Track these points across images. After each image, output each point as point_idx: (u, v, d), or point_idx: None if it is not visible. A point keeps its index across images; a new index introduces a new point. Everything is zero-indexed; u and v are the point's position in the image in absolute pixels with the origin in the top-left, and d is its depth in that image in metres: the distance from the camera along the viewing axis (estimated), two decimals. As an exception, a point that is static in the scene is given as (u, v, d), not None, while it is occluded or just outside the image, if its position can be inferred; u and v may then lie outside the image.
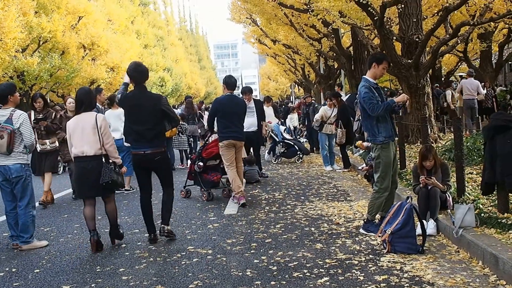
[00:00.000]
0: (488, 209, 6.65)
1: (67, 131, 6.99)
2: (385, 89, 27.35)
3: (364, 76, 6.95)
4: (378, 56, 7.06)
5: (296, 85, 57.66)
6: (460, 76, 25.89)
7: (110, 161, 6.93)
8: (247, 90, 12.66)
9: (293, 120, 19.95)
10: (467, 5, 15.96)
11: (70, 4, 32.28)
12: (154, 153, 6.99)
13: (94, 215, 6.97)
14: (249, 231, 7.45)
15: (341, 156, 13.73)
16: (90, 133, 6.77)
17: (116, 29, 41.42)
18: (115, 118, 10.92)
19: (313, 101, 19.31)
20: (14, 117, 7.10)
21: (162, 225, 7.15)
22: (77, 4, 33.02)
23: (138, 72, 7.12)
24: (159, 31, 66.35)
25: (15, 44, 24.62)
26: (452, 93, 19.98)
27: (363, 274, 5.35)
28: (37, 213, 7.87)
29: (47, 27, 28.77)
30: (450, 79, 32.25)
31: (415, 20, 13.99)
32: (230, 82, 9.59)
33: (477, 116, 17.53)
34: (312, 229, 7.35)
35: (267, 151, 16.99)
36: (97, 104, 11.70)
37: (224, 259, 6.17)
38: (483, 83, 20.11)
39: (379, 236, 6.28)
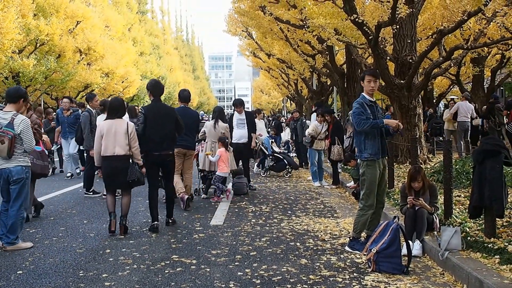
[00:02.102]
0: (475, 233, 6.66)
1: (99, 132, 8.05)
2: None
3: (362, 93, 7.08)
4: (362, 74, 7.22)
5: (288, 99, 57.79)
6: (451, 99, 25.95)
7: (135, 161, 8.10)
8: (239, 103, 12.72)
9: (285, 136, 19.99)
10: (461, 29, 16.08)
11: (69, 8, 32.32)
12: (167, 155, 8.48)
13: (115, 201, 8.05)
14: (234, 243, 7.44)
15: (329, 172, 13.72)
16: (122, 137, 7.94)
17: (113, 35, 41.46)
18: None
19: (303, 115, 19.31)
20: (15, 122, 7.11)
21: (167, 218, 8.62)
22: (76, 9, 33.09)
23: (156, 87, 8.66)
24: (155, 39, 66.56)
25: (12, 45, 24.54)
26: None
27: (346, 292, 5.34)
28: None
29: (45, 30, 28.77)
30: (442, 101, 32.37)
31: (409, 41, 14.09)
32: (183, 95, 10.60)
33: (468, 139, 17.68)
34: (298, 244, 7.34)
35: (256, 163, 16.96)
36: (90, 108, 11.74)
37: (208, 270, 6.15)
38: (483, 107, 20.16)
39: (364, 255, 6.27)
